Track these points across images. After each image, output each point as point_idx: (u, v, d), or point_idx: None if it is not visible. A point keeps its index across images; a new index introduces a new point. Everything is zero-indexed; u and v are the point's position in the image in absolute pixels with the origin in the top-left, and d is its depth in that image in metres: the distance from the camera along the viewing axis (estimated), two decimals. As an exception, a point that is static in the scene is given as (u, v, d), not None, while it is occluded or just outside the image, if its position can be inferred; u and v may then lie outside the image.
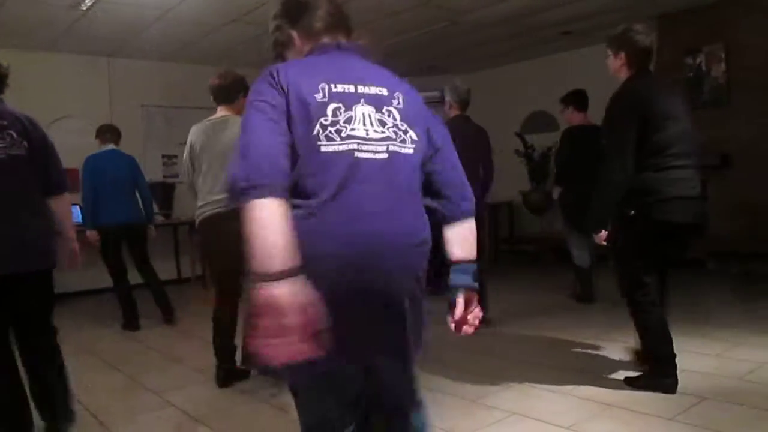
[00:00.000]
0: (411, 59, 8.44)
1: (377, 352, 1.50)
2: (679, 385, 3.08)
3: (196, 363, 4.03)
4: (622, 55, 3.07)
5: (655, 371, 3.09)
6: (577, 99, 5.33)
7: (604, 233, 3.06)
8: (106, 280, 5.81)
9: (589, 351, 3.77)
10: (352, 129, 1.42)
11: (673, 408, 2.83)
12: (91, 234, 5.16)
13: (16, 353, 2.71)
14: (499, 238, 8.70)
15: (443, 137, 1.63)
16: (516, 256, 8.70)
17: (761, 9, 6.12)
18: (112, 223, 5.07)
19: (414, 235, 1.47)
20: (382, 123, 1.47)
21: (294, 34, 1.60)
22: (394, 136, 1.47)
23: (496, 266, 8.18)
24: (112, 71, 7.47)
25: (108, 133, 5.37)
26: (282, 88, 1.40)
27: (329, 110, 1.41)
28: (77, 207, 6.57)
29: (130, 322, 5.23)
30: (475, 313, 1.51)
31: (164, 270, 7.50)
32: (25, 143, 2.66)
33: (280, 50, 1.65)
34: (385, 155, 1.44)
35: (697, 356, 3.61)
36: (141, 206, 5.31)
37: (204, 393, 3.46)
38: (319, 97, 1.42)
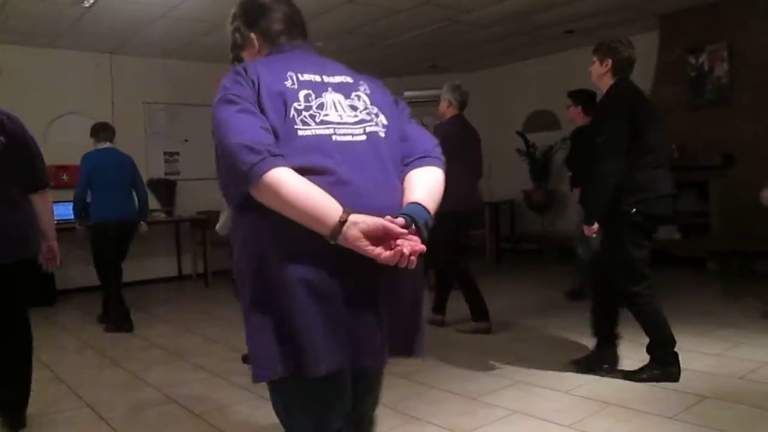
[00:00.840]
0: (412, 58, 8.44)
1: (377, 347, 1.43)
2: (679, 384, 3.10)
3: (198, 359, 4.04)
4: (609, 62, 3.23)
5: (660, 360, 3.19)
6: (589, 101, 5.25)
7: (596, 225, 3.17)
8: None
9: (589, 349, 3.77)
10: (326, 114, 1.43)
11: (674, 407, 2.83)
12: (81, 225, 5.24)
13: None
14: (500, 237, 8.70)
15: (405, 113, 1.63)
16: (518, 254, 8.71)
17: (764, 8, 6.12)
18: (109, 219, 5.07)
19: (395, 208, 1.41)
20: (354, 107, 1.48)
21: (252, 35, 1.62)
22: (368, 118, 1.49)
23: (498, 265, 8.19)
24: (115, 68, 7.47)
25: (102, 131, 5.34)
26: (251, 81, 1.41)
27: (301, 96, 1.43)
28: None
29: (123, 322, 5.09)
30: (414, 240, 1.33)
31: (165, 267, 7.54)
32: (1, 138, 2.66)
33: (238, 52, 1.66)
34: (363, 137, 1.45)
35: (697, 355, 3.62)
36: (136, 204, 5.32)
37: (206, 389, 3.46)
38: (288, 84, 1.43)
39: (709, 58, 6.58)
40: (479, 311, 4.42)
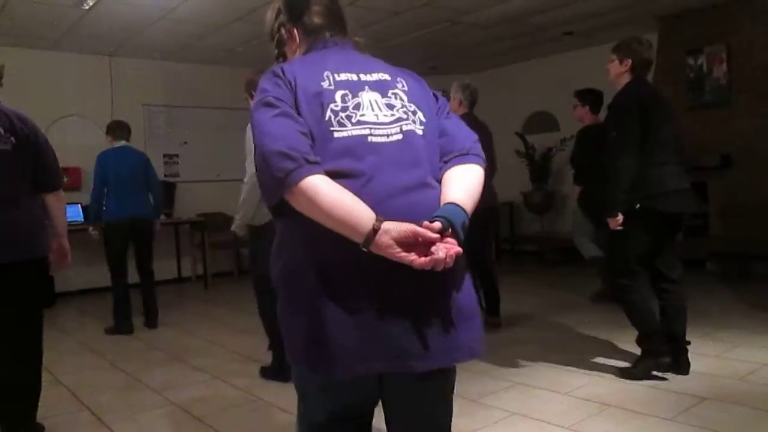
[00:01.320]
0: (412, 60, 8.42)
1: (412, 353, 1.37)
2: (678, 386, 3.10)
3: (197, 361, 4.04)
4: (629, 62, 3.30)
5: (650, 353, 3.25)
6: (596, 100, 5.26)
7: (620, 217, 3.18)
8: (108, 279, 5.80)
9: (590, 350, 3.78)
10: (362, 114, 1.41)
11: (673, 408, 2.83)
12: (94, 230, 5.23)
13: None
14: (500, 238, 8.70)
15: (446, 108, 1.62)
16: (517, 255, 8.71)
17: (763, 9, 6.13)
18: (122, 217, 5.05)
19: (432, 209, 1.37)
20: (390, 106, 1.46)
21: (295, 31, 1.60)
22: (405, 117, 1.46)
23: (498, 266, 8.18)
24: (114, 70, 7.48)
25: (119, 129, 5.34)
26: (288, 82, 1.41)
27: (338, 96, 1.41)
28: (79, 206, 6.61)
29: (123, 324, 5.08)
30: (450, 244, 1.30)
31: (165, 269, 7.54)
32: (12, 139, 2.69)
33: (282, 49, 1.64)
34: (399, 136, 1.42)
35: (697, 357, 3.61)
36: (151, 202, 5.30)
37: (205, 392, 3.46)
38: (325, 84, 1.42)
39: (708, 59, 6.59)
40: (493, 306, 4.58)
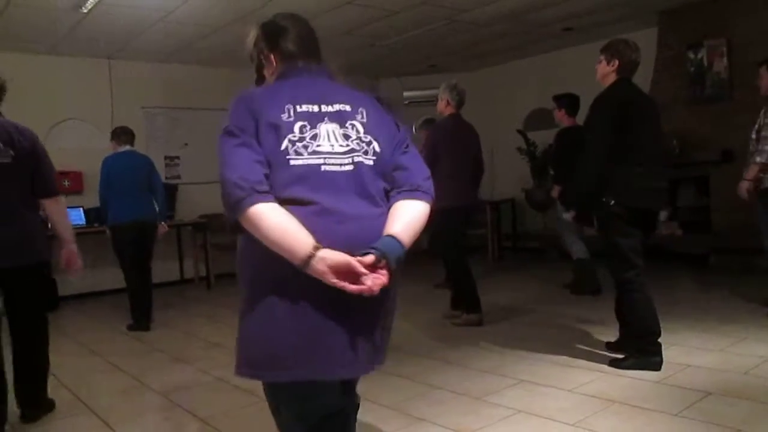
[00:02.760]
0: (411, 58, 8.44)
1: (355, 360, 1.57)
2: (683, 381, 3.10)
3: (201, 363, 4.04)
4: (616, 62, 3.42)
5: (643, 350, 3.34)
6: (571, 104, 5.47)
7: (572, 213, 3.43)
8: (110, 282, 5.83)
9: (594, 347, 3.77)
10: (318, 145, 1.55)
11: (678, 403, 2.83)
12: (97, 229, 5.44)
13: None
14: (502, 236, 8.70)
15: (405, 141, 1.72)
16: (519, 253, 8.70)
17: (763, 4, 6.11)
18: (127, 220, 5.19)
19: (375, 238, 1.52)
20: (346, 137, 1.59)
21: (272, 56, 1.74)
22: (358, 148, 1.59)
23: (500, 263, 8.19)
24: (114, 73, 7.47)
25: (123, 134, 5.48)
26: (252, 111, 1.56)
27: (296, 128, 1.55)
28: (80, 209, 6.63)
29: (140, 322, 5.23)
30: (381, 275, 1.46)
31: (167, 271, 7.54)
32: (11, 152, 2.90)
33: (261, 72, 1.79)
34: (351, 167, 1.56)
35: (701, 351, 3.61)
36: (155, 204, 5.43)
37: (209, 393, 3.46)
38: (285, 117, 1.56)
39: (708, 53, 6.57)
40: (473, 303, 4.63)
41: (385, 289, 1.46)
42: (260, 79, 1.79)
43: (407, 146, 1.70)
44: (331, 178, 1.53)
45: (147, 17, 5.95)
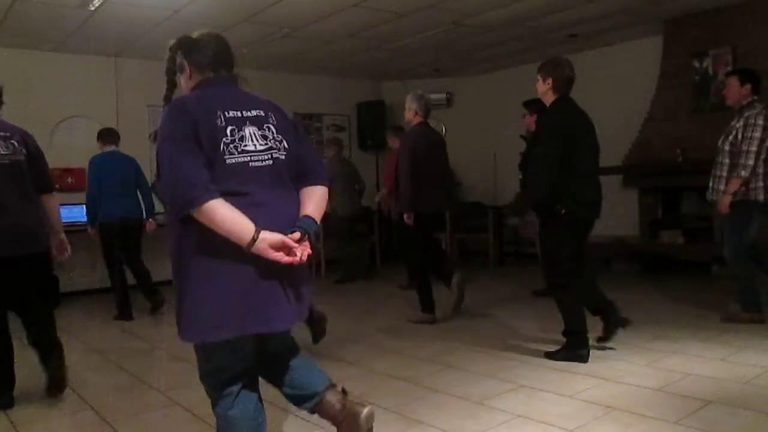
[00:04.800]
0: (416, 62, 8.46)
1: (274, 317, 1.94)
2: (684, 389, 3.10)
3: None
4: (550, 80, 3.71)
5: (573, 344, 3.68)
6: (543, 109, 5.42)
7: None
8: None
9: (595, 353, 3.76)
10: (245, 145, 1.90)
11: (678, 411, 2.82)
12: (93, 230, 5.61)
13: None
14: (504, 241, 8.69)
15: (304, 137, 2.19)
16: (521, 258, 8.69)
17: (768, 12, 6.11)
18: (113, 218, 5.47)
19: (294, 217, 1.95)
20: (264, 137, 1.96)
21: (185, 63, 2.05)
22: (274, 146, 1.97)
23: (502, 268, 8.18)
24: (119, 71, 7.49)
25: (109, 136, 5.74)
26: (192, 120, 1.84)
27: (228, 131, 1.88)
28: (84, 206, 6.66)
29: (123, 312, 5.60)
30: (306, 247, 1.89)
31: (168, 270, 7.54)
32: (24, 150, 3.28)
33: (172, 76, 2.06)
34: (270, 162, 1.94)
35: (702, 360, 3.61)
36: (141, 203, 5.70)
37: (209, 392, 3.46)
38: (219, 122, 1.87)
39: (714, 62, 6.57)
40: (428, 304, 4.95)
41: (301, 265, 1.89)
42: (170, 83, 2.06)
43: (303, 140, 2.14)
44: (257, 171, 1.90)
45: (153, 16, 5.97)
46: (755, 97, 4.41)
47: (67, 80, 7.03)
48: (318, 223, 1.98)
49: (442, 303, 5.06)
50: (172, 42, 2.07)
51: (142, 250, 5.83)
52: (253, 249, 1.79)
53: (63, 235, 3.54)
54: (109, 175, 5.48)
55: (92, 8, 5.60)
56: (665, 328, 4.41)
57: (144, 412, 3.19)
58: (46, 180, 3.43)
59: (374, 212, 8.68)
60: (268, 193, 1.90)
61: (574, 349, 3.66)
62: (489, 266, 8.27)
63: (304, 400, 2.23)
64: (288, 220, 1.91)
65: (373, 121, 9.23)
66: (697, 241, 6.60)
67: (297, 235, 1.86)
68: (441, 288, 5.08)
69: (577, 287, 4.32)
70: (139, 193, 5.69)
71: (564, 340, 3.78)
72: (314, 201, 2.02)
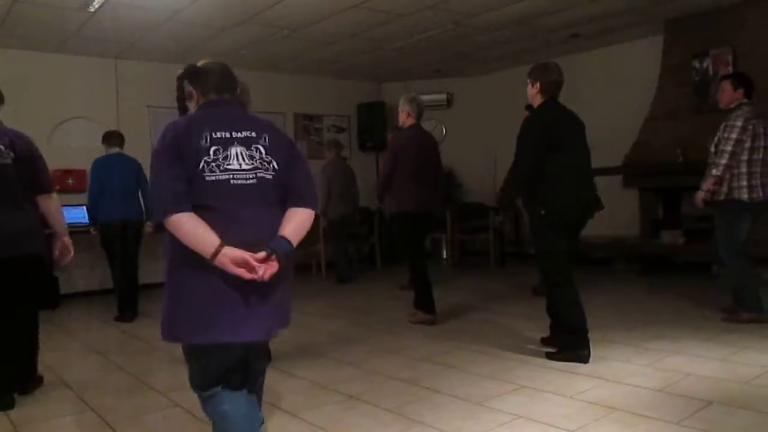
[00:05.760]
0: (417, 62, 8.46)
1: (255, 329, 2.05)
2: (685, 389, 3.09)
3: (201, 364, 4.03)
4: (538, 84, 3.78)
5: (572, 345, 3.67)
6: None
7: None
8: (111, 281, 5.86)
9: (594, 354, 3.76)
10: (228, 164, 2.02)
11: (679, 412, 2.82)
12: (95, 230, 5.71)
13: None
14: (505, 241, 8.69)
15: (298, 160, 2.21)
16: (523, 258, 8.68)
17: (769, 12, 6.11)
18: (114, 219, 5.56)
19: (272, 235, 2.01)
20: (251, 157, 2.06)
21: (192, 89, 2.23)
22: (260, 166, 2.07)
23: (502, 269, 8.18)
24: (120, 72, 7.50)
25: (113, 138, 5.83)
26: (178, 138, 2.00)
27: (211, 151, 2.01)
28: (84, 207, 6.66)
29: (124, 313, 5.64)
30: (271, 266, 1.95)
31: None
32: (11, 154, 3.27)
33: (182, 103, 2.27)
34: (254, 180, 2.04)
35: (703, 360, 3.60)
36: (142, 205, 5.75)
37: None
38: (203, 142, 2.01)
39: (714, 62, 6.57)
40: (427, 304, 4.96)
41: (276, 275, 1.96)
42: (182, 109, 2.26)
43: (299, 163, 2.19)
44: (238, 189, 2.01)
45: (154, 17, 5.97)
46: (745, 100, 4.56)
47: (68, 81, 7.04)
48: (292, 244, 2.04)
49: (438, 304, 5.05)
50: (179, 71, 2.28)
51: (140, 251, 5.87)
52: (216, 262, 1.90)
53: (66, 238, 3.52)
54: (111, 177, 5.55)
55: (92, 9, 5.60)
56: (666, 328, 4.40)
57: (145, 414, 3.19)
58: (40, 181, 3.41)
59: (375, 213, 8.69)
60: (245, 210, 2.01)
61: (574, 350, 3.66)
62: (490, 266, 8.27)
63: None
64: (261, 237, 1.99)
65: (374, 122, 9.23)
66: (698, 241, 6.59)
67: (262, 254, 1.92)
68: (439, 288, 5.08)
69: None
70: (140, 194, 5.75)
71: (550, 330, 3.93)
72: (294, 223, 2.09)
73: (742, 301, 4.49)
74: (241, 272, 1.91)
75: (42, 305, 3.70)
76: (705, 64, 6.64)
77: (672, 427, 2.66)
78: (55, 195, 3.50)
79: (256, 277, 1.91)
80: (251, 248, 1.92)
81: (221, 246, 1.90)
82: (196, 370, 2.15)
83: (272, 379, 3.50)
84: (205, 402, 2.17)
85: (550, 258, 3.75)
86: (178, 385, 3.61)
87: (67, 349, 4.72)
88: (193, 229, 1.92)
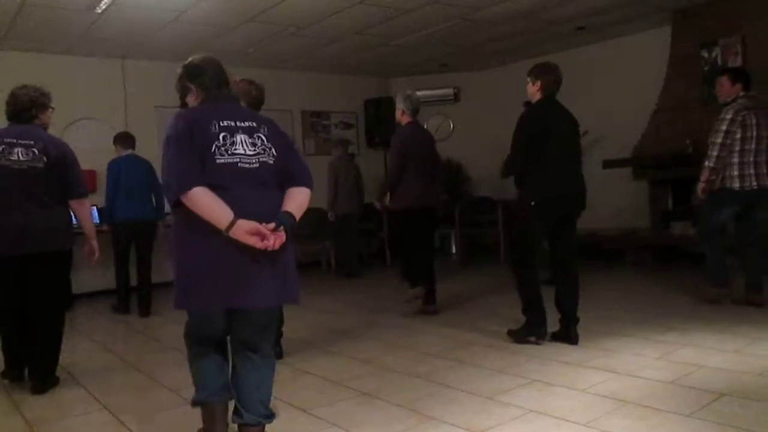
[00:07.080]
0: (423, 57, 8.44)
1: (248, 297, 2.28)
2: (697, 381, 3.08)
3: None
4: (538, 83, 3.97)
5: (533, 322, 3.97)
6: None
7: None
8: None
9: (606, 347, 3.75)
10: (235, 149, 2.27)
11: (691, 404, 2.81)
12: (109, 229, 5.92)
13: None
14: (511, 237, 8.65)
15: (293, 148, 2.50)
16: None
17: (778, 1, 6.05)
18: (128, 219, 5.78)
19: (273, 212, 2.26)
20: (254, 144, 2.32)
21: (192, 87, 2.46)
22: (262, 152, 2.33)
23: (508, 264, 8.15)
24: (127, 73, 7.52)
25: (126, 139, 6.04)
26: (190, 125, 2.23)
27: (220, 137, 2.25)
28: (94, 207, 6.74)
29: (120, 306, 6.02)
30: (279, 236, 2.21)
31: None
32: (44, 158, 3.51)
33: (183, 99, 2.50)
34: (257, 165, 2.30)
35: (715, 352, 3.59)
36: (155, 205, 5.93)
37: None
38: (213, 129, 2.25)
39: (723, 52, 6.52)
40: (413, 277, 5.12)
41: (282, 245, 2.23)
42: (183, 105, 2.48)
43: (294, 150, 2.47)
44: (244, 171, 2.26)
45: (159, 18, 5.99)
46: (741, 94, 4.66)
47: (76, 83, 7.06)
48: (295, 217, 2.30)
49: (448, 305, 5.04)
50: (179, 71, 2.50)
51: (153, 251, 6.05)
52: (231, 233, 2.13)
53: (94, 242, 3.79)
54: (127, 178, 5.77)
55: (99, 11, 5.63)
56: (677, 320, 4.38)
57: (158, 412, 3.21)
58: (71, 186, 3.63)
59: (383, 210, 8.67)
60: (250, 190, 2.25)
61: (534, 327, 3.96)
62: (499, 260, 8.25)
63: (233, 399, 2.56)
64: (264, 213, 2.21)
65: (381, 118, 9.22)
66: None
67: (272, 225, 2.19)
68: (440, 288, 5.06)
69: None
70: (153, 194, 5.91)
71: (560, 324, 4.00)
72: (295, 200, 2.35)
73: (711, 276, 4.82)
74: (255, 241, 2.15)
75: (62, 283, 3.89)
76: (714, 54, 6.59)
77: (684, 420, 2.65)
78: (86, 201, 3.74)
79: (267, 245, 2.15)
80: (258, 222, 2.16)
81: (236, 218, 2.13)
82: (191, 327, 2.52)
83: (284, 376, 3.52)
84: (189, 355, 2.61)
85: (523, 237, 4.03)
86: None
87: (80, 348, 4.75)
88: (210, 202, 2.15)
